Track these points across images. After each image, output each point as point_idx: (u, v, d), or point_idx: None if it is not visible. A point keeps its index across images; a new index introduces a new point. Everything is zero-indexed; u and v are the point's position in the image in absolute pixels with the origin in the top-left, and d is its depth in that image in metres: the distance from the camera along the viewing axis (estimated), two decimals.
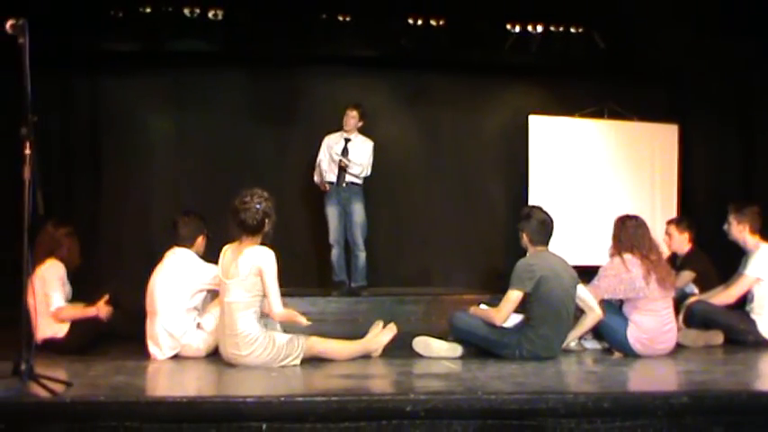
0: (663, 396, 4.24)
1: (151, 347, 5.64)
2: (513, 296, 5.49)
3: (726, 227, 6.68)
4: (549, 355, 5.56)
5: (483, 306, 5.88)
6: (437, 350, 5.71)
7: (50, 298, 5.87)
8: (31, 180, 4.17)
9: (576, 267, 5.80)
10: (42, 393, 4.01)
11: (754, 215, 6.60)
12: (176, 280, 5.66)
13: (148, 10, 8.73)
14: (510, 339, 5.54)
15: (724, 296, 6.51)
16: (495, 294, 6.01)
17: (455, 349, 5.70)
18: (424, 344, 5.76)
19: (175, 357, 5.61)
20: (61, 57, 8.51)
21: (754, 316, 6.42)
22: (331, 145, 8.57)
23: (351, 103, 8.61)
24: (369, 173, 8.55)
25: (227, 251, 5.32)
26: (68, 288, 6.08)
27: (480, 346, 5.68)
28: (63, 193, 8.87)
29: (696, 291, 6.94)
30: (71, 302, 6.05)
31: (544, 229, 5.71)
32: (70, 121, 9.12)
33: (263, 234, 5.28)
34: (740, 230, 6.59)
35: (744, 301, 6.53)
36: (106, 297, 5.99)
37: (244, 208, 5.22)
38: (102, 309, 5.92)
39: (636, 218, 5.95)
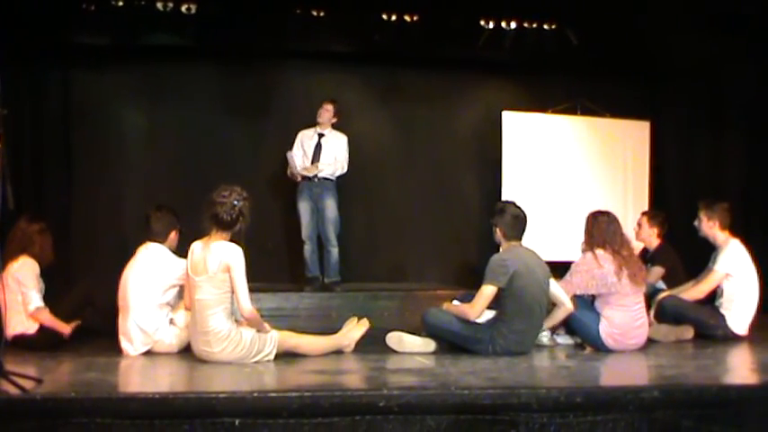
0: (634, 390, 4.28)
1: (123, 343, 5.60)
2: (487, 291, 5.50)
3: (696, 223, 6.74)
4: (522, 350, 5.59)
5: (456, 302, 5.89)
6: (410, 345, 5.71)
7: (28, 297, 5.83)
8: (0, 174, 4.13)
9: (548, 263, 5.83)
10: (12, 390, 3.98)
11: (723, 211, 6.66)
12: (149, 275, 5.63)
13: (121, 3, 8.65)
14: (483, 335, 5.56)
15: (694, 291, 6.58)
16: (469, 290, 6.02)
17: (428, 344, 5.71)
18: (397, 339, 5.76)
19: (147, 353, 5.57)
20: (32, 50, 8.42)
21: (723, 311, 6.48)
22: (305, 139, 8.57)
23: (326, 98, 8.61)
24: (345, 170, 8.54)
25: (195, 248, 5.28)
26: (42, 285, 6.03)
27: (453, 342, 5.69)
28: (34, 187, 8.76)
29: (664, 286, 7.00)
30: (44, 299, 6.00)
31: (518, 223, 5.74)
32: (42, 115, 9.00)
33: (234, 232, 5.25)
34: (710, 226, 6.65)
35: (713, 296, 6.60)
36: (77, 323, 5.96)
37: (220, 201, 5.20)
38: (68, 331, 5.91)
39: (608, 214, 6.00)
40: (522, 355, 5.55)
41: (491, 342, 5.53)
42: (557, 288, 5.75)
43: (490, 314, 5.68)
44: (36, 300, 5.85)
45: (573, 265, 5.91)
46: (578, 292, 5.80)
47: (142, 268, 5.67)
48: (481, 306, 5.53)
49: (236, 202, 5.21)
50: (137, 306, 5.57)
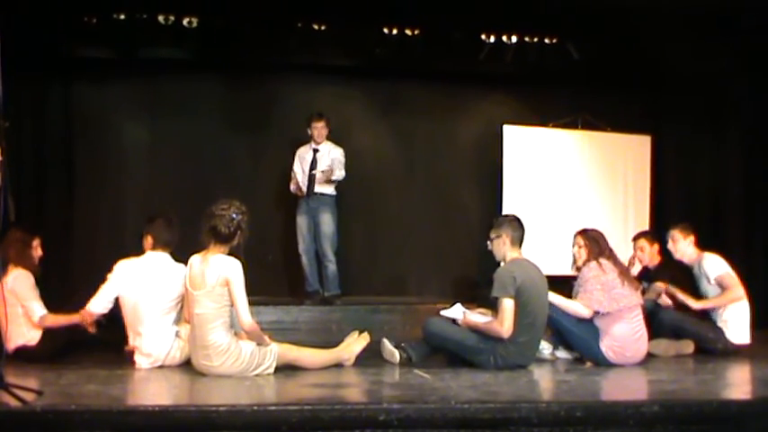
0: (634, 405, 4.28)
1: (137, 357, 5.58)
2: (509, 305, 5.48)
3: (670, 245, 6.84)
4: (523, 363, 5.60)
5: (444, 312, 5.88)
6: (385, 353, 5.85)
7: (30, 309, 5.85)
8: (2, 186, 4.14)
9: (548, 277, 5.85)
10: (13, 402, 3.97)
11: (693, 228, 6.81)
12: (158, 286, 5.59)
13: (123, 16, 8.67)
14: (485, 345, 5.56)
15: (722, 299, 6.53)
16: (467, 304, 6.03)
17: (393, 355, 5.81)
18: (383, 347, 5.90)
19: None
20: (34, 62, 8.42)
21: (720, 324, 6.51)
22: (303, 156, 8.56)
23: (323, 112, 8.60)
24: (342, 175, 8.50)
25: (194, 262, 5.27)
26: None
27: (455, 351, 5.70)
28: (35, 200, 8.78)
29: (669, 302, 6.98)
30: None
31: (519, 228, 5.80)
32: (43, 127, 9.03)
33: (232, 246, 5.24)
34: (688, 243, 6.79)
35: (708, 312, 6.62)
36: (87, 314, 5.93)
37: (219, 215, 5.20)
38: (85, 314, 5.82)
39: (595, 229, 6.15)
40: (523, 368, 5.56)
41: (493, 354, 5.53)
42: (558, 299, 5.81)
43: (459, 311, 5.76)
44: (38, 309, 5.86)
45: (579, 279, 5.92)
46: (596, 307, 5.77)
47: (150, 280, 5.61)
48: (509, 321, 5.48)
49: (234, 216, 5.20)
50: (150, 319, 5.54)
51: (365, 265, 9.66)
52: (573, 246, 6.10)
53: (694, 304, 6.54)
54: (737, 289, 6.56)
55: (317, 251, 8.57)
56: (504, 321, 5.48)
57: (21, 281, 5.90)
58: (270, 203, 9.33)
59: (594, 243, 5.99)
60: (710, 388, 5.16)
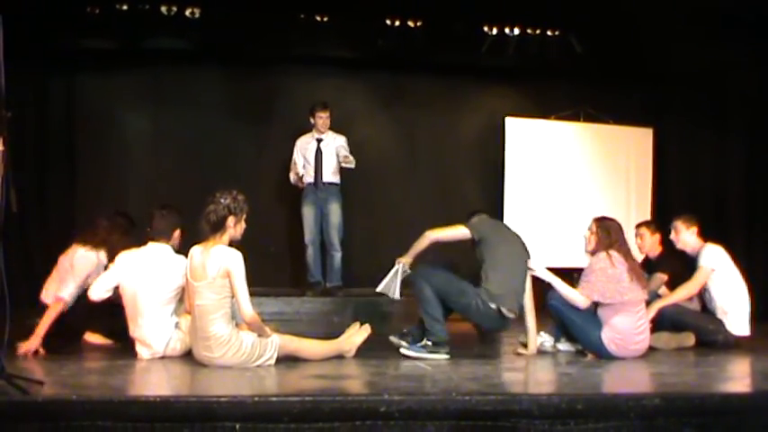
0: (635, 398, 4.27)
1: (138, 347, 5.56)
2: (459, 229, 6.22)
3: (672, 235, 6.83)
4: (507, 306, 5.65)
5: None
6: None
7: (65, 283, 5.86)
8: (4, 177, 4.14)
9: (551, 270, 5.86)
10: (14, 392, 3.98)
11: (696, 219, 6.80)
12: (157, 277, 5.57)
13: (125, 7, 8.69)
14: (471, 290, 5.72)
15: (683, 291, 6.57)
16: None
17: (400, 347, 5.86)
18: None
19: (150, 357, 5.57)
20: (37, 53, 8.43)
21: (720, 316, 6.50)
22: (304, 146, 8.56)
23: (319, 103, 8.61)
24: (353, 164, 8.47)
25: (194, 253, 5.25)
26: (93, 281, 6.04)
27: (440, 288, 5.82)
28: (37, 190, 8.78)
29: (668, 293, 6.98)
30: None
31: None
32: (45, 118, 9.03)
33: (228, 234, 5.24)
34: (691, 233, 6.75)
35: (704, 303, 6.63)
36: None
37: (209, 202, 5.21)
38: (28, 348, 5.61)
39: (614, 219, 6.07)
40: (503, 328, 5.83)
41: (476, 296, 5.67)
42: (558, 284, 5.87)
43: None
44: (66, 291, 5.82)
45: (587, 268, 5.88)
46: (596, 298, 5.76)
47: (150, 271, 5.59)
48: (444, 236, 6.38)
49: (222, 200, 5.21)
50: (148, 309, 5.53)
51: (367, 257, 9.62)
52: (588, 229, 6.08)
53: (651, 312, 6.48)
54: (692, 285, 6.56)
55: (322, 241, 8.58)
56: (445, 231, 6.33)
57: (85, 260, 5.98)
58: (272, 195, 9.34)
59: (605, 234, 5.93)
60: (712, 381, 5.16)
